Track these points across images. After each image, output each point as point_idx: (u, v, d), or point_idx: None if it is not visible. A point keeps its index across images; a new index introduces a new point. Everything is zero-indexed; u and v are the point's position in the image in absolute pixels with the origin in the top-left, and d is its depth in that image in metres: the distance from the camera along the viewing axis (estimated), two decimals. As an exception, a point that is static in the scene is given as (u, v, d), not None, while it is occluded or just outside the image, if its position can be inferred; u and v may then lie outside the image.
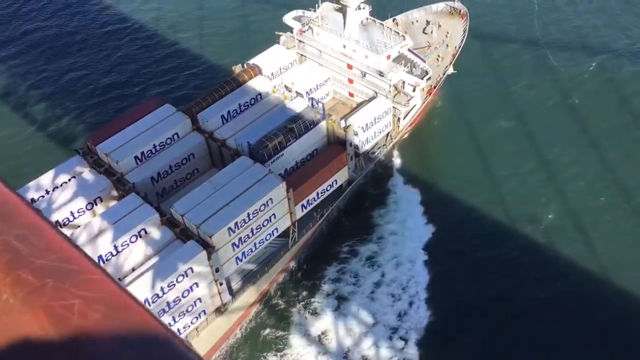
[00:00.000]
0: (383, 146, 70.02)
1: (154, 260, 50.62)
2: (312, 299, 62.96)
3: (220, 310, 55.75)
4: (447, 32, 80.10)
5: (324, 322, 60.82)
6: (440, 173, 74.11)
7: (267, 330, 60.89)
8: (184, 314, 51.48)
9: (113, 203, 56.88)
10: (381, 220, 68.87)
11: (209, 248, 50.36)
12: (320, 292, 63.27)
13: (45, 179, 58.14)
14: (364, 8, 68.23)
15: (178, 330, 51.47)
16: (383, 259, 65.38)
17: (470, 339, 58.46)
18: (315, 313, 61.83)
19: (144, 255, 51.16)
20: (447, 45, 78.57)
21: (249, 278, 59.29)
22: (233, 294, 56.86)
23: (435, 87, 73.59)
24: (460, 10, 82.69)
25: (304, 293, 63.47)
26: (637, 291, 59.98)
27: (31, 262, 4.26)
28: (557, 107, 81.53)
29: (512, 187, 71.20)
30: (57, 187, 57.55)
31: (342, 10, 70.09)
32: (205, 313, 53.72)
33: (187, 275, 49.13)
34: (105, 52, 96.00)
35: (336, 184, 64.11)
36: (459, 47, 77.69)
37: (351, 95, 72.73)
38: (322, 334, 60.14)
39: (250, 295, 59.46)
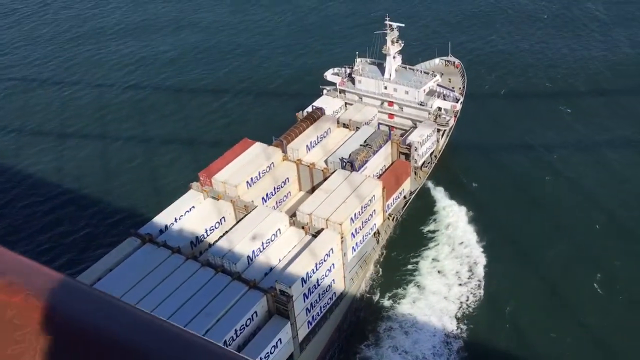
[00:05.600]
0: (429, 163, 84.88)
1: (295, 250, 61.23)
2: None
3: (342, 295, 65.90)
4: (450, 79, 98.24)
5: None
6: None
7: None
8: (323, 294, 61.58)
9: (232, 222, 67.54)
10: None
11: (340, 235, 61.72)
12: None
13: (171, 211, 68.07)
14: (399, 55, 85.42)
15: (321, 308, 61.46)
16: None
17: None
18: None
19: (285, 249, 61.69)
20: (452, 88, 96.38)
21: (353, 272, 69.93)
22: (347, 285, 67.26)
23: (456, 116, 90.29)
24: (454, 62, 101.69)
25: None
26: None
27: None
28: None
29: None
30: (182, 216, 67.63)
31: (381, 60, 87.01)
32: (335, 296, 63.90)
33: (330, 255, 60.02)
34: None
35: (403, 192, 77.64)
36: (464, 88, 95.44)
37: (392, 128, 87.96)
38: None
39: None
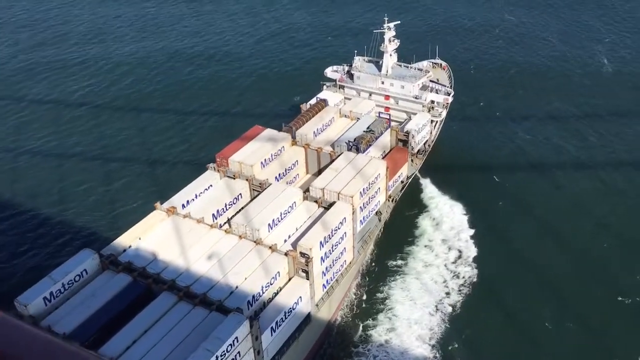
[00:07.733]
0: (424, 152, 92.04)
1: (310, 221, 67.24)
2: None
3: (351, 265, 71.98)
4: (437, 79, 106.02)
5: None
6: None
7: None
8: (336, 260, 67.65)
9: (248, 199, 73.32)
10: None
11: (351, 206, 68.01)
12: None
13: (190, 188, 73.36)
14: (395, 53, 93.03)
15: (334, 273, 67.50)
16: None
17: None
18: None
19: (300, 220, 67.65)
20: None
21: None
22: (355, 255, 73.33)
23: (446, 108, 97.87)
24: (440, 64, 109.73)
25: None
26: None
27: None
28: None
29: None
30: (202, 193, 73.07)
31: (377, 58, 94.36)
32: (345, 263, 69.97)
33: (343, 224, 66.18)
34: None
35: (401, 176, 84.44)
36: (451, 86, 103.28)
37: (387, 121, 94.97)
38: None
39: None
